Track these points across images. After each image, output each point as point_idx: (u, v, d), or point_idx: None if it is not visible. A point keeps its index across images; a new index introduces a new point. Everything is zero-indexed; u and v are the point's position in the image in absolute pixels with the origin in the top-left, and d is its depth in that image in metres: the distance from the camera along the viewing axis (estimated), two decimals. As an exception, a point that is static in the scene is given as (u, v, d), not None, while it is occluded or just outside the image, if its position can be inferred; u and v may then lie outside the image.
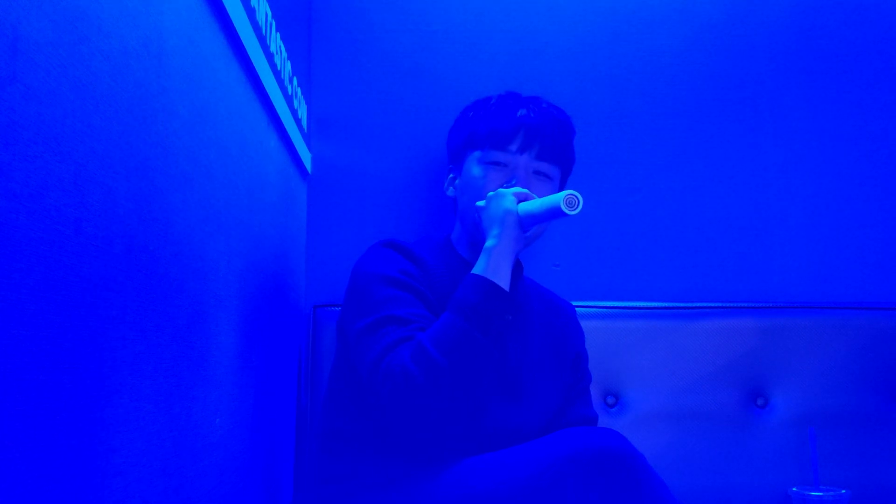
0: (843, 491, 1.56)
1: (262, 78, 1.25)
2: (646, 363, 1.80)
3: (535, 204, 1.31)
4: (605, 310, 1.84)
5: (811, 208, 1.98)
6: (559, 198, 1.26)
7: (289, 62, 1.53)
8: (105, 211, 0.67)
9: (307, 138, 1.82)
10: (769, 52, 2.02)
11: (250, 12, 1.15)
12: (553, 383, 1.43)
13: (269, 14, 1.33)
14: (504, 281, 1.26)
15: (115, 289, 0.69)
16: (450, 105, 1.60)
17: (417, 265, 1.34)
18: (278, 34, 1.42)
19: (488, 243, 1.30)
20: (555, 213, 1.27)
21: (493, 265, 1.27)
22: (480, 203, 1.36)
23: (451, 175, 1.51)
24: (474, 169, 1.42)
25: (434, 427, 1.24)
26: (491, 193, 1.35)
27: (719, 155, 1.98)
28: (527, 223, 1.31)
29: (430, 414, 1.19)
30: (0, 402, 0.51)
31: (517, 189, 1.33)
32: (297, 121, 1.65)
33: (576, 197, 1.25)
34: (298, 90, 1.68)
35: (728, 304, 1.88)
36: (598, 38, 1.99)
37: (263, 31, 1.26)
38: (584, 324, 1.56)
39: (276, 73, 1.38)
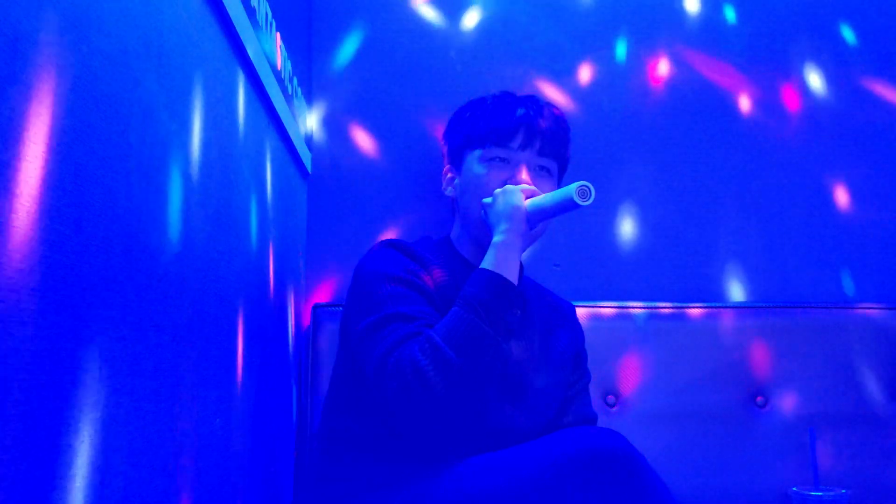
0: (843, 491, 1.56)
1: (262, 78, 1.25)
2: (646, 363, 1.80)
3: (544, 199, 1.31)
4: (605, 310, 1.84)
5: (811, 208, 1.98)
6: (571, 189, 1.26)
7: (289, 62, 1.53)
8: (105, 211, 0.67)
9: (307, 138, 1.82)
10: (768, 52, 2.02)
11: (250, 12, 1.15)
12: (553, 383, 1.43)
13: (269, 14, 1.33)
14: (513, 276, 1.26)
15: (115, 289, 0.69)
16: (450, 105, 1.60)
17: (420, 265, 1.34)
18: (278, 34, 1.42)
19: (496, 239, 1.30)
20: (567, 206, 1.27)
21: (502, 260, 1.27)
22: (487, 200, 1.36)
23: (449, 175, 1.51)
24: (476, 167, 1.42)
25: (441, 423, 1.23)
26: (498, 190, 1.35)
27: (719, 155, 1.98)
28: (535, 219, 1.31)
29: (439, 409, 1.18)
30: (0, 402, 0.51)
31: (525, 185, 1.34)
32: (298, 121, 1.65)
33: (588, 187, 1.25)
34: (299, 90, 1.68)
35: (728, 305, 1.88)
36: (598, 37, 1.99)
37: (264, 31, 1.26)
38: (584, 324, 1.56)
39: (277, 73, 1.38)
